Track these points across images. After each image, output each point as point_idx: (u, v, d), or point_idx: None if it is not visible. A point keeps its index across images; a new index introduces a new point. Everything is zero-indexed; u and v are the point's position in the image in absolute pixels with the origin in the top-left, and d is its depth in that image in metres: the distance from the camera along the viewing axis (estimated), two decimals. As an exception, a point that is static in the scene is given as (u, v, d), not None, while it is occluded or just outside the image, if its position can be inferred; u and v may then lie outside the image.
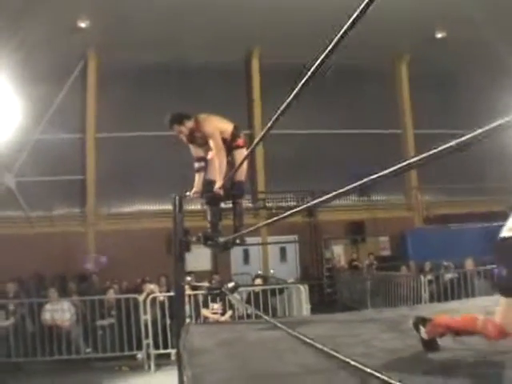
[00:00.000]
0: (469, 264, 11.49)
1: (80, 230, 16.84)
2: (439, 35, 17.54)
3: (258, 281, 11.15)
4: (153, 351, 9.65)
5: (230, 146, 5.31)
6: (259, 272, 16.07)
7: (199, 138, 5.36)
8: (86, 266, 15.96)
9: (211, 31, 15.88)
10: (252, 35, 16.63)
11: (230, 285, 5.85)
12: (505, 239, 2.79)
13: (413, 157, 1.23)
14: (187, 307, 8.86)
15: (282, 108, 1.93)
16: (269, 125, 2.19)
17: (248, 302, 9.88)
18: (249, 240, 10.03)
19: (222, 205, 5.64)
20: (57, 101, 16.90)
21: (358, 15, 1.37)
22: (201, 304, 9.83)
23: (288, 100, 1.85)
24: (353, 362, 1.87)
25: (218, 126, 5.30)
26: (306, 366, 3.10)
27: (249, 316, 9.33)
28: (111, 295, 10.83)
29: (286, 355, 3.45)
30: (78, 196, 17.41)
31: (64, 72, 16.90)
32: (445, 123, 18.22)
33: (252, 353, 3.78)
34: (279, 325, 3.04)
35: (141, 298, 10.08)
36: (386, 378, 1.62)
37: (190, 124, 5.30)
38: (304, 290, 10.17)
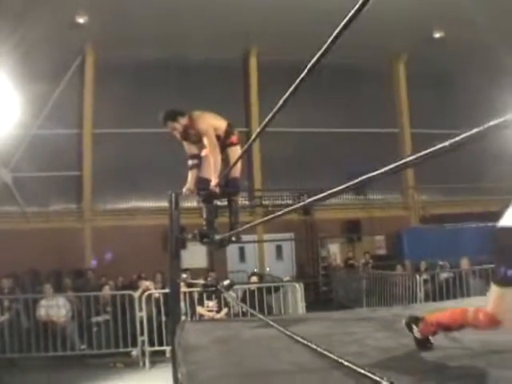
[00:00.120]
0: (464, 263, 11.52)
1: (76, 226, 16.81)
2: (437, 35, 17.53)
3: (254, 279, 11.16)
4: (148, 348, 9.66)
5: (223, 143, 5.31)
6: (255, 270, 16.08)
7: (193, 135, 5.35)
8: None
9: (210, 28, 15.85)
10: (250, 33, 16.60)
11: (226, 282, 5.85)
12: (503, 229, 2.81)
13: (409, 156, 1.23)
14: (182, 304, 8.87)
15: (278, 105, 1.93)
16: (265, 122, 2.18)
17: (244, 299, 9.90)
18: (245, 238, 10.03)
19: (218, 202, 5.64)
20: (54, 96, 16.84)
21: (353, 14, 1.36)
22: (196, 301, 9.83)
23: (284, 97, 1.85)
24: (346, 363, 1.87)
25: (211, 123, 5.29)
26: (300, 365, 3.10)
27: (244, 314, 9.33)
28: (107, 292, 10.82)
29: (281, 353, 3.46)
30: (75, 192, 17.37)
31: (61, 67, 16.84)
32: (442, 123, 18.23)
33: (247, 351, 3.79)
34: (273, 324, 3.05)
35: (136, 294, 10.08)
36: (377, 379, 1.62)
37: (183, 121, 5.29)
38: (299, 288, 10.19)
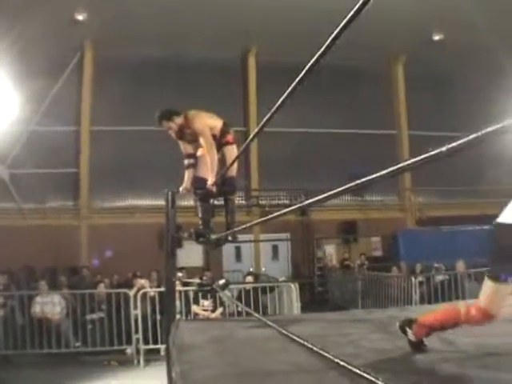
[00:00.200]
0: (460, 266, 11.54)
1: (72, 224, 16.79)
2: (436, 37, 17.56)
3: (249, 278, 11.15)
4: (142, 346, 9.65)
5: (219, 142, 5.30)
6: (251, 269, 16.08)
7: (188, 135, 5.35)
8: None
9: (209, 27, 15.85)
10: (249, 33, 16.59)
11: (221, 282, 5.85)
12: (501, 225, 2.83)
13: (406, 160, 1.23)
14: (178, 303, 8.85)
15: (276, 106, 1.92)
16: (262, 122, 2.18)
17: (239, 299, 9.88)
18: (241, 237, 10.07)
19: (215, 201, 5.63)
20: (52, 93, 16.81)
21: (353, 15, 1.36)
22: (191, 300, 9.82)
23: (282, 98, 1.84)
24: (342, 363, 1.87)
25: (207, 122, 5.29)
26: (295, 365, 3.10)
27: (239, 313, 9.32)
28: (102, 289, 10.80)
29: (276, 353, 3.45)
30: (72, 189, 17.35)
31: (60, 64, 16.81)
32: (440, 125, 18.27)
33: (241, 350, 3.78)
34: (269, 323, 3.04)
35: (131, 292, 10.07)
36: (373, 379, 1.62)
37: (179, 120, 5.29)
38: (295, 288, 10.19)
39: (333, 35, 1.45)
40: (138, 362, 9.56)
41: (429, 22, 16.34)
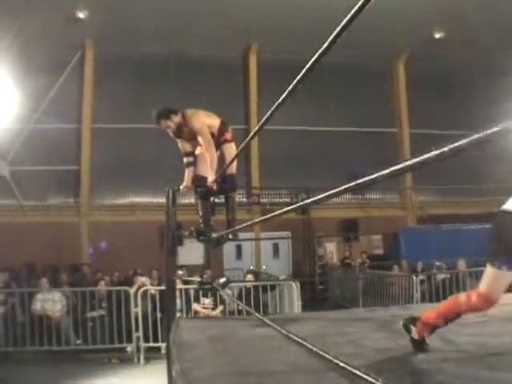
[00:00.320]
0: (461, 265, 11.53)
1: (73, 221, 16.78)
2: (438, 35, 17.52)
3: (250, 277, 11.14)
4: (143, 344, 9.65)
5: (217, 140, 5.29)
6: (251, 268, 16.08)
7: (186, 133, 5.34)
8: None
9: (210, 25, 15.83)
10: (250, 30, 16.59)
11: (222, 280, 5.83)
12: (506, 213, 2.86)
13: (408, 160, 1.21)
14: (178, 301, 8.85)
15: (276, 104, 1.91)
16: (263, 120, 2.16)
17: (239, 297, 9.88)
18: (242, 235, 10.03)
19: (215, 199, 5.62)
20: (53, 90, 16.81)
21: (354, 13, 1.34)
22: (192, 298, 9.81)
23: (283, 96, 1.82)
24: (342, 364, 1.85)
25: (205, 121, 5.28)
26: (295, 365, 3.09)
27: (240, 312, 9.32)
28: (102, 287, 10.80)
29: (275, 353, 3.44)
30: (72, 186, 17.34)
31: (61, 62, 16.81)
32: (441, 123, 18.27)
33: (241, 349, 3.77)
34: (269, 322, 3.03)
35: (132, 290, 10.07)
36: (373, 381, 1.61)
37: (176, 119, 5.28)
38: (296, 286, 10.16)
39: (334, 33, 1.43)
40: (139, 359, 9.56)
41: (430, 20, 16.30)
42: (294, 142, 18.06)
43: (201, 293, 9.58)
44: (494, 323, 4.08)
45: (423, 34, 16.97)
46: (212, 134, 5.24)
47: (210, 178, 5.08)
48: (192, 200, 5.75)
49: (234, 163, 5.13)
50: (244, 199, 17.37)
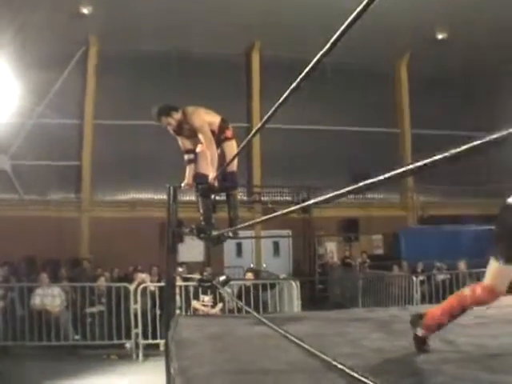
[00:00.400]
0: (461, 266, 11.52)
1: (74, 216, 16.79)
2: (440, 36, 17.49)
3: (249, 275, 11.12)
4: (141, 341, 9.65)
5: (218, 138, 5.29)
6: (251, 266, 16.08)
7: (187, 130, 5.34)
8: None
9: (213, 22, 15.83)
10: (253, 28, 16.57)
11: (222, 278, 5.83)
12: (508, 206, 2.88)
13: (411, 163, 1.20)
14: (178, 298, 8.85)
15: (279, 102, 1.90)
16: (265, 119, 2.16)
17: (239, 295, 9.87)
18: (242, 233, 10.02)
19: (217, 197, 5.62)
20: (56, 86, 16.81)
21: (358, 13, 1.33)
22: (192, 295, 9.80)
23: (285, 95, 1.82)
24: (340, 366, 1.84)
25: (205, 118, 5.27)
26: (294, 364, 3.09)
27: (239, 310, 9.31)
28: (102, 283, 10.80)
29: (274, 352, 3.44)
30: (74, 182, 17.35)
31: (64, 57, 16.81)
32: (442, 124, 18.27)
33: (240, 348, 3.77)
34: (267, 322, 3.02)
35: (132, 287, 10.07)
36: (371, 383, 1.60)
37: (177, 116, 5.28)
38: (296, 285, 10.16)
39: (337, 34, 1.42)
40: (137, 356, 9.56)
41: (432, 21, 16.28)
42: (296, 140, 18.05)
43: (200, 290, 9.58)
44: (494, 325, 4.08)
45: (425, 34, 16.95)
46: (212, 132, 5.24)
47: (211, 175, 5.07)
48: (193, 197, 5.74)
49: (235, 161, 5.13)
50: (245, 197, 17.36)
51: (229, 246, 16.61)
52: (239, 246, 17.77)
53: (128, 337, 9.80)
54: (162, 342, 8.74)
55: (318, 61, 1.55)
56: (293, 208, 2.35)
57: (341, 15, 1.49)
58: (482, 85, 18.57)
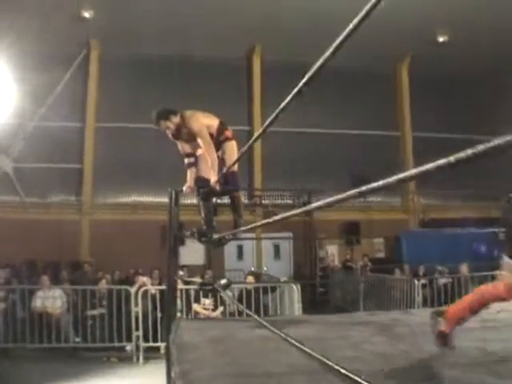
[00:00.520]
0: (463, 269, 11.49)
1: (75, 219, 16.80)
2: (441, 39, 17.51)
3: (251, 278, 11.11)
4: (142, 344, 9.63)
5: (217, 140, 5.29)
6: (252, 269, 16.06)
7: (185, 134, 5.34)
8: None
9: (214, 26, 15.86)
10: (254, 32, 16.59)
11: (223, 282, 5.82)
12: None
13: (412, 170, 1.20)
14: (178, 301, 8.83)
15: (280, 107, 1.89)
16: (266, 124, 2.15)
17: (240, 298, 9.85)
18: (243, 235, 10.01)
19: (218, 200, 5.62)
20: (58, 88, 16.83)
21: (361, 18, 1.33)
22: (192, 299, 9.79)
23: (287, 100, 1.81)
24: (341, 369, 1.84)
25: (203, 122, 5.28)
26: (295, 367, 3.08)
27: (240, 313, 9.29)
28: (103, 285, 10.79)
29: (276, 355, 3.43)
30: (75, 184, 17.36)
31: (66, 60, 16.84)
32: (443, 127, 18.27)
33: (241, 351, 3.76)
34: (268, 326, 3.02)
35: (133, 289, 10.06)
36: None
37: (176, 120, 5.28)
38: (296, 289, 10.13)
39: (341, 38, 1.42)
40: (138, 359, 9.54)
41: (433, 24, 16.30)
42: (297, 143, 18.05)
43: (201, 293, 9.57)
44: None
45: (426, 37, 16.97)
46: (211, 135, 5.24)
47: (213, 179, 5.07)
48: (194, 200, 5.73)
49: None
50: (246, 200, 17.35)
51: (229, 249, 16.60)
52: (240, 249, 17.76)
53: (129, 339, 9.79)
54: (162, 344, 8.73)
55: (321, 66, 1.55)
56: (295, 212, 2.35)
57: (341, 19, 1.49)
58: (483, 87, 18.58)
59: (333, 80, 15.92)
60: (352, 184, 16.24)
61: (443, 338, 3.23)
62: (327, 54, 1.49)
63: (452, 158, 0.98)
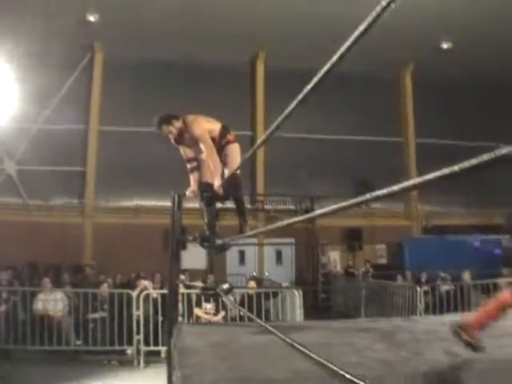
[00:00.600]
0: (466, 277, 11.46)
1: (77, 222, 16.81)
2: (444, 46, 17.53)
3: (252, 283, 11.10)
4: (143, 347, 9.62)
5: (219, 144, 5.29)
6: (254, 274, 16.04)
7: (188, 139, 5.34)
8: None
9: (218, 32, 15.90)
10: (258, 38, 16.63)
11: (225, 286, 5.81)
12: None
13: (416, 179, 1.20)
14: (180, 306, 8.83)
15: (284, 114, 1.90)
16: (270, 130, 2.15)
17: (241, 303, 9.84)
18: (245, 241, 9.98)
19: (221, 204, 5.61)
20: (62, 91, 16.88)
21: (368, 25, 1.33)
22: (194, 303, 9.79)
23: (291, 108, 1.81)
24: (346, 375, 1.83)
25: (205, 127, 5.28)
26: (296, 373, 3.07)
27: (241, 318, 9.29)
28: (105, 289, 10.79)
29: (277, 360, 3.43)
30: (78, 187, 17.38)
31: (70, 64, 16.88)
32: (446, 133, 18.27)
33: (242, 356, 3.76)
34: (271, 329, 3.01)
35: (134, 293, 10.04)
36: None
37: (178, 124, 5.28)
38: (298, 294, 10.11)
39: (348, 43, 1.42)
40: (139, 362, 9.53)
41: (437, 31, 16.31)
42: (299, 149, 18.05)
43: (203, 297, 9.56)
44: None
45: (430, 44, 16.99)
46: (213, 139, 5.24)
47: (216, 183, 5.08)
48: (197, 204, 5.73)
49: (237, 164, 5.13)
50: (248, 205, 17.35)
51: (231, 254, 16.59)
52: (242, 254, 17.75)
53: (130, 343, 9.77)
54: (163, 348, 8.72)
55: (327, 72, 1.55)
56: (299, 218, 2.35)
57: (344, 26, 1.50)
58: (486, 94, 18.59)
59: (336, 86, 15.95)
60: (355, 190, 16.26)
61: (471, 346, 3.26)
62: (333, 59, 1.49)
63: (456, 168, 0.98)
